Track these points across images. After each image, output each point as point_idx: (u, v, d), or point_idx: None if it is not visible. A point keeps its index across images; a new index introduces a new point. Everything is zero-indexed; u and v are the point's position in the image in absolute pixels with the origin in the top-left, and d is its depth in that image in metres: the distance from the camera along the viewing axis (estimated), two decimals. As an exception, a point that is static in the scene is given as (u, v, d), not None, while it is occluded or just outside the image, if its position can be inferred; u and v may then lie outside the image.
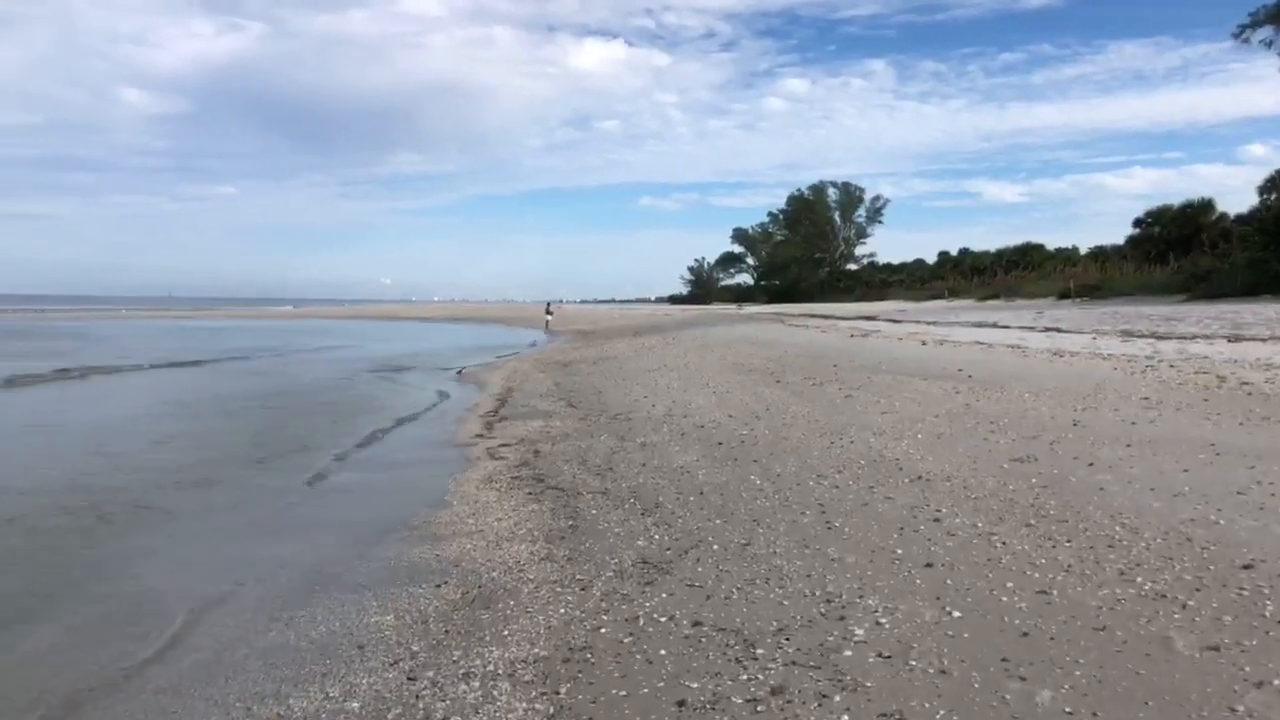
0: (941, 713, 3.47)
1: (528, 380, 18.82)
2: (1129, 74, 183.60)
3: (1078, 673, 3.73)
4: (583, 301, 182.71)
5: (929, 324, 26.94)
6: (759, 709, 3.61)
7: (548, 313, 56.07)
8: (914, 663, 3.92)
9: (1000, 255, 77.79)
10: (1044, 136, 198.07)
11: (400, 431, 12.79)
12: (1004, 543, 5.47)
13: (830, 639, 4.25)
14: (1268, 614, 4.24)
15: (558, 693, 3.91)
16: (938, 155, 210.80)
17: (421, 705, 3.89)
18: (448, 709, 3.83)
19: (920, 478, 7.24)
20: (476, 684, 4.06)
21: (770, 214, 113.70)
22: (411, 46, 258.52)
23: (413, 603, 5.23)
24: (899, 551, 5.47)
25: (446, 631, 4.75)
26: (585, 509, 7.13)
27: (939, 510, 6.27)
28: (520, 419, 12.76)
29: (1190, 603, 4.42)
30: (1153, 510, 5.92)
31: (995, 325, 23.83)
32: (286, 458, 10.80)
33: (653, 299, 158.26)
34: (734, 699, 3.71)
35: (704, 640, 4.36)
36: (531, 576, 5.56)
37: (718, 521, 6.45)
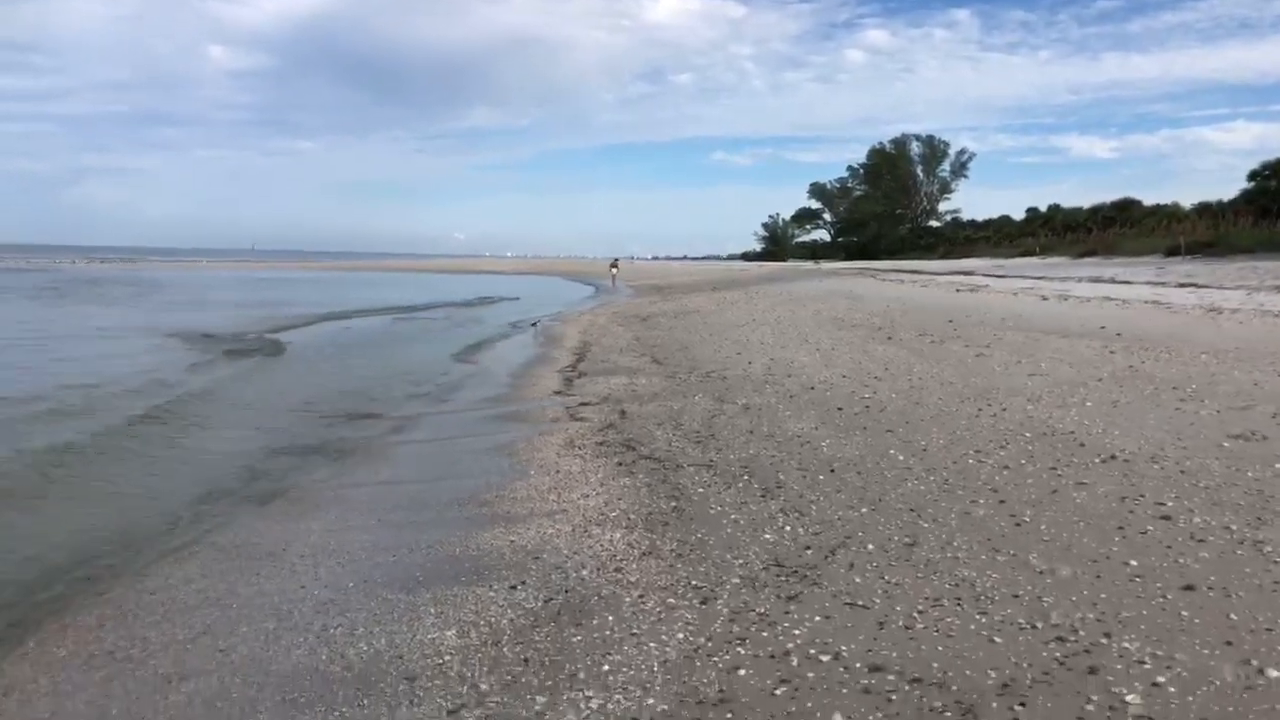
0: None
1: (605, 334, 17.57)
2: (1234, 22, 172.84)
3: None
4: (654, 258, 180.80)
5: (1037, 279, 24.89)
6: (1024, 844, 2.25)
7: (613, 267, 54.79)
8: (1251, 765, 2.52)
9: (1095, 211, 73.74)
10: (1139, 89, 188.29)
11: (469, 386, 11.65)
12: (1286, 557, 3.98)
13: (1091, 709, 2.86)
14: None
15: (693, 785, 2.61)
16: (1024, 109, 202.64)
17: (492, 793, 2.63)
18: (530, 802, 2.57)
19: (1114, 457, 5.74)
20: (570, 758, 2.79)
21: (850, 168, 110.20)
22: (489, 0, 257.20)
23: (481, 612, 3.99)
24: (1133, 564, 4.03)
25: (525, 661, 3.49)
26: (689, 486, 5.81)
27: (1162, 504, 4.80)
28: (601, 375, 11.50)
29: None
30: None
31: (1114, 280, 21.75)
32: (341, 421, 9.73)
33: (724, 256, 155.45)
34: (974, 818, 2.36)
35: (895, 699, 3.01)
36: (633, 579, 4.27)
37: (864, 510, 5.08)
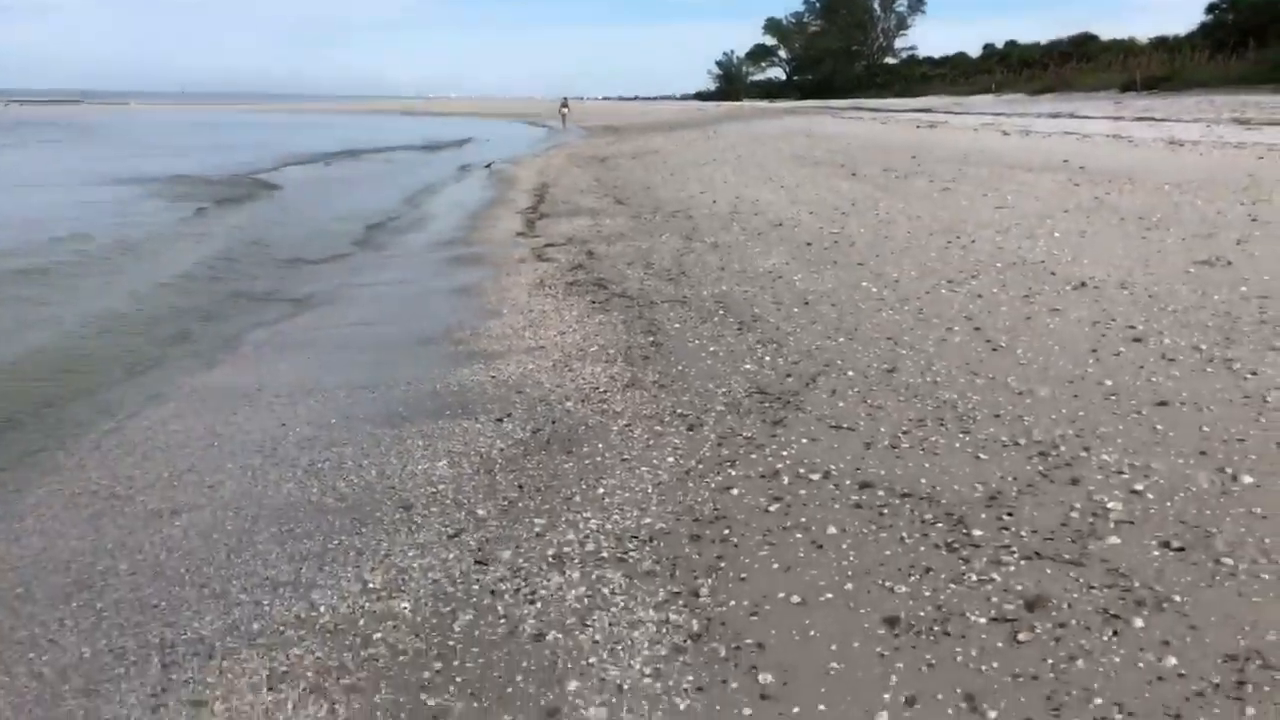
0: (1332, 658, 2.21)
1: (564, 175, 17.19)
2: None
3: None
4: (604, 98, 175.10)
5: (995, 115, 24.64)
6: (1020, 636, 2.37)
7: (563, 107, 52.17)
8: (1229, 560, 2.65)
9: (1052, 47, 72.36)
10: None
11: (427, 229, 11.38)
12: (1254, 373, 4.11)
13: (1075, 515, 2.98)
14: None
15: (697, 595, 2.69)
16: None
17: (501, 608, 2.69)
18: (540, 615, 2.63)
19: (1084, 285, 5.82)
20: (575, 574, 2.85)
21: (806, 2, 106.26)
22: None
23: (469, 443, 4.00)
24: (1108, 383, 4.13)
25: (520, 487, 3.53)
26: (665, 322, 5.80)
27: (1133, 327, 4.89)
28: (564, 216, 11.30)
29: None
30: None
31: (1073, 116, 21.61)
32: (303, 264, 9.49)
33: (678, 96, 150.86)
34: (970, 616, 2.47)
35: (886, 512, 3.10)
36: (618, 409, 4.30)
37: (841, 339, 5.12)
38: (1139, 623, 2.38)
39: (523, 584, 2.82)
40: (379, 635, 2.60)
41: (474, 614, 2.68)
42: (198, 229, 11.80)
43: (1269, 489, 3.05)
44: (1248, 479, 3.12)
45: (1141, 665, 2.22)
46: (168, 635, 2.68)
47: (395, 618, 2.69)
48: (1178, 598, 2.48)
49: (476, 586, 2.82)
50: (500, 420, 4.24)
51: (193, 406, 4.82)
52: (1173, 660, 2.22)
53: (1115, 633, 2.35)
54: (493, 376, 4.90)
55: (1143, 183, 9.60)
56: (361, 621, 2.68)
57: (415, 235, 11.09)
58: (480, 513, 3.33)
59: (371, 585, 2.88)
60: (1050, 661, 2.26)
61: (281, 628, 2.67)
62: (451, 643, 2.54)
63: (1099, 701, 2.11)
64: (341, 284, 8.13)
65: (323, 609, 2.76)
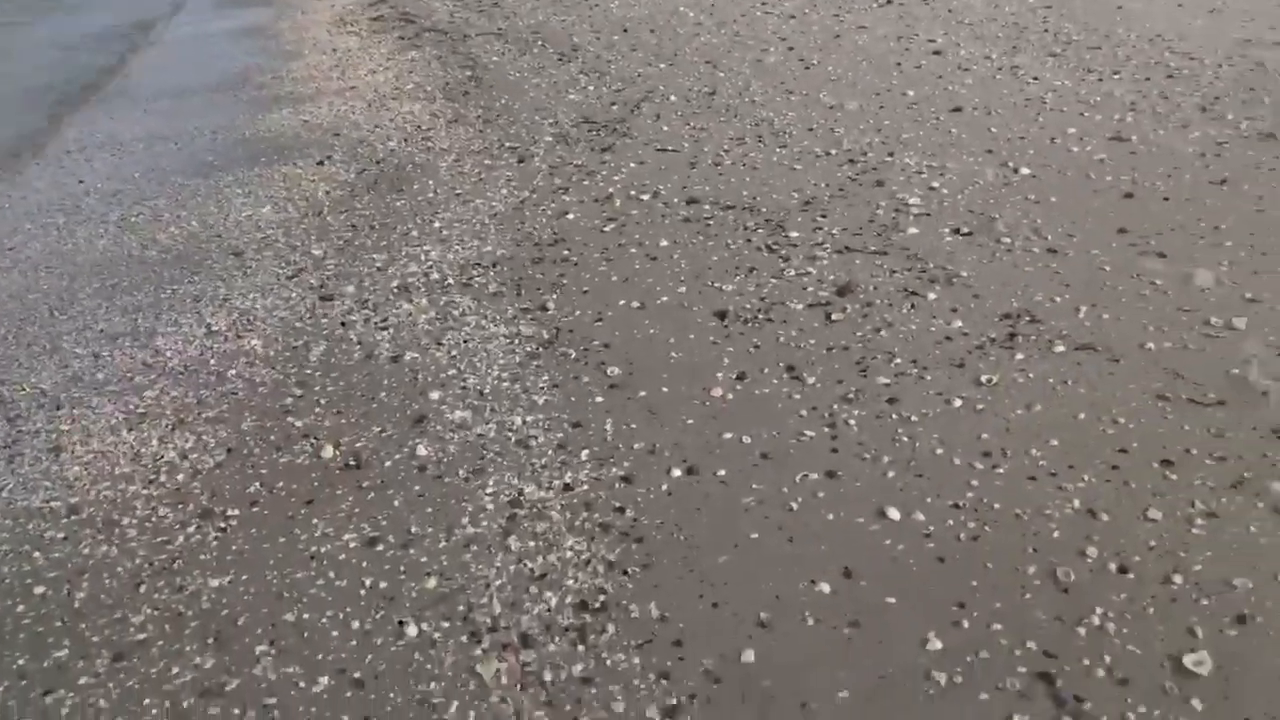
0: (1083, 308, 2.62)
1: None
2: None
3: (1229, 244, 2.92)
4: None
5: None
6: (833, 316, 2.67)
7: None
8: (1008, 239, 3.02)
9: None
10: None
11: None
12: (1036, 78, 4.46)
13: (880, 213, 3.27)
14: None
15: (544, 309, 2.85)
16: None
17: (354, 337, 2.77)
18: (394, 340, 2.73)
19: (890, 1, 5.96)
20: (424, 300, 2.94)
21: None
22: None
23: (292, 188, 3.88)
24: (910, 93, 4.39)
25: (353, 227, 3.50)
26: (482, 56, 5.60)
27: (933, 40, 5.13)
28: (354, -54, 10.29)
29: (1290, 144, 3.63)
30: (1197, 30, 4.96)
31: None
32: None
33: None
34: (790, 304, 2.75)
35: (713, 223, 3.30)
36: (445, 146, 4.24)
37: (662, 66, 5.12)
38: (932, 296, 2.72)
39: (372, 314, 2.89)
40: (234, 372, 2.64)
41: (327, 344, 2.74)
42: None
43: (1043, 179, 3.43)
44: (1025, 171, 3.49)
45: (933, 329, 2.57)
46: (4, 393, 2.63)
47: (247, 355, 2.72)
48: (964, 273, 2.83)
49: (325, 320, 2.87)
50: (321, 163, 4.11)
51: (-33, 170, 4.39)
52: (959, 323, 2.58)
53: (912, 306, 2.68)
54: (304, 120, 4.67)
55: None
56: (212, 361, 2.70)
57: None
58: (316, 253, 3.31)
59: (216, 328, 2.87)
60: (859, 334, 2.58)
61: (129, 374, 2.66)
62: (309, 371, 2.62)
63: (899, 361, 2.45)
64: (109, 27, 7.28)
65: (169, 354, 2.75)
